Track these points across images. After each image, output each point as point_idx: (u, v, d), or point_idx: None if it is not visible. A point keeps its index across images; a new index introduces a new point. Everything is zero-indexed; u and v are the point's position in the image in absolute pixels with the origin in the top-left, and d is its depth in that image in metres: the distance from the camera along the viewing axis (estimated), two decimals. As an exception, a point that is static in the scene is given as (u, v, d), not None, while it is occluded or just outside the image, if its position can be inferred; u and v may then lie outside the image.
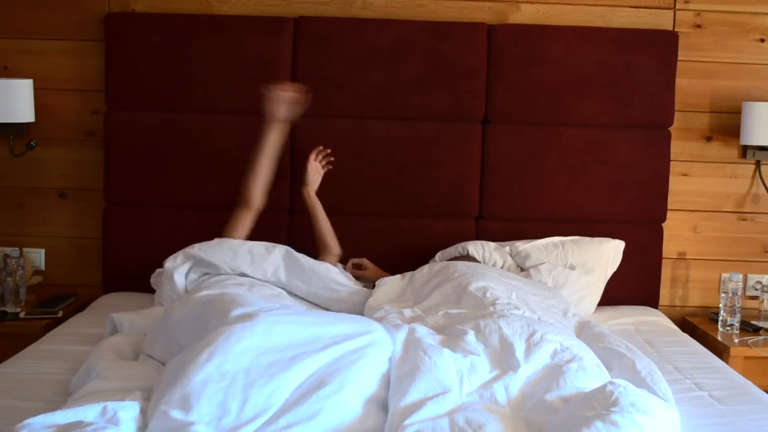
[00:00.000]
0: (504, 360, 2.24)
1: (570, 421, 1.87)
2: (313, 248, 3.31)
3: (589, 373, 2.17)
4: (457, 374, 2.15)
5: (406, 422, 1.92)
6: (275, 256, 3.01)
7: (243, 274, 2.97)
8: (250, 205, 3.20)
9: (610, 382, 1.99)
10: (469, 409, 1.99)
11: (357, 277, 3.25)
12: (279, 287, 2.97)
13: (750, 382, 2.63)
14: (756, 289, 3.62)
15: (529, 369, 2.20)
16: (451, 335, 2.40)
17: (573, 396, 2.04)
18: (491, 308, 2.64)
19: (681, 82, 3.54)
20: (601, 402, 1.91)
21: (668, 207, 3.55)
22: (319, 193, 3.39)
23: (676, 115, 3.54)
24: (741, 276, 3.46)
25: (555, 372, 2.17)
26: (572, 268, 3.31)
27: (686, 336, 3.21)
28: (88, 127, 3.57)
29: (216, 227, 3.47)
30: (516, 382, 2.15)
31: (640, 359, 2.39)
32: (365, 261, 3.36)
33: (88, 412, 1.95)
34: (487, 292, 2.78)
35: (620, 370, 2.35)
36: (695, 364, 2.78)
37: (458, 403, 2.04)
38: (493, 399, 2.10)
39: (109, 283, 3.51)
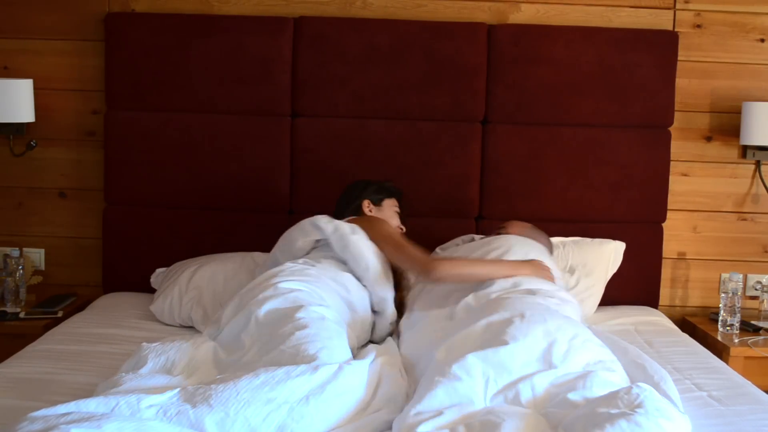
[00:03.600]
0: (541, 356, 2.23)
1: (592, 417, 1.89)
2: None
3: (616, 385, 2.16)
4: (483, 376, 2.14)
5: (419, 429, 1.93)
6: None
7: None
8: None
9: (636, 385, 2.02)
10: (486, 413, 1.99)
11: None
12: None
13: (750, 382, 2.63)
14: (756, 289, 3.62)
15: (561, 371, 2.20)
16: (492, 317, 2.39)
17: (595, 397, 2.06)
18: (540, 300, 2.63)
19: (681, 82, 3.54)
20: (627, 402, 1.93)
21: (668, 207, 3.55)
22: (322, 193, 3.41)
23: (676, 115, 3.54)
24: (741, 276, 3.46)
25: (582, 375, 2.18)
26: (572, 269, 3.31)
27: (686, 336, 3.21)
28: (88, 127, 3.57)
29: (216, 227, 3.48)
30: (544, 382, 2.16)
31: (651, 364, 2.41)
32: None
33: (89, 405, 1.95)
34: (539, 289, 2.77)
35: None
36: (695, 364, 2.79)
37: (480, 407, 2.06)
38: (516, 399, 2.12)
39: (109, 283, 3.51)
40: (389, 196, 3.17)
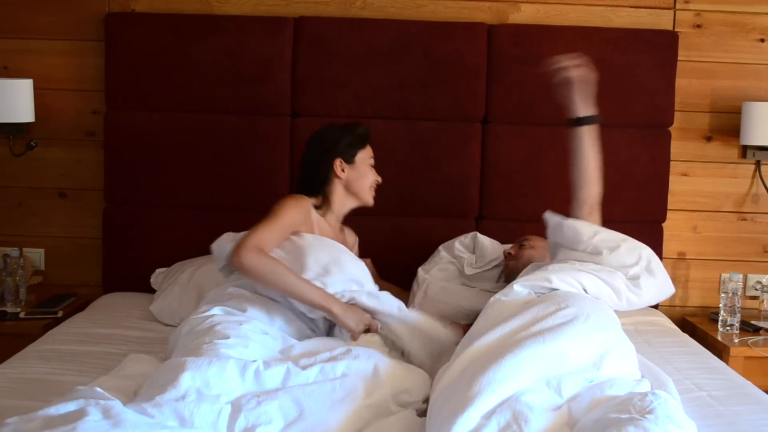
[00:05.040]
0: (592, 360, 2.25)
1: (603, 421, 1.91)
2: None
3: (638, 390, 2.18)
4: (534, 362, 2.17)
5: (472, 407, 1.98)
6: None
7: None
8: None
9: (652, 393, 2.04)
10: (520, 401, 2.02)
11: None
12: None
13: (749, 382, 2.63)
14: (756, 289, 3.62)
15: (601, 376, 2.22)
16: (558, 308, 2.40)
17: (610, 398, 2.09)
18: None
19: (681, 82, 3.54)
20: (638, 408, 1.94)
21: (668, 207, 3.55)
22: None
23: (676, 115, 3.54)
24: (741, 276, 3.46)
25: (611, 379, 2.20)
26: None
27: (686, 336, 3.21)
28: (88, 127, 3.57)
29: (216, 227, 3.47)
30: (584, 381, 2.19)
31: (652, 369, 2.42)
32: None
33: (69, 406, 1.96)
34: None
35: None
36: (695, 365, 2.79)
37: (520, 388, 2.09)
38: (558, 389, 2.15)
39: (109, 283, 3.51)
40: (362, 146, 2.85)
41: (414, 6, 3.55)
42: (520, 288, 2.58)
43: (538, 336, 2.24)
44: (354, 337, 2.59)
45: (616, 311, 2.59)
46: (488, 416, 1.98)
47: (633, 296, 2.68)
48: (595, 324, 2.33)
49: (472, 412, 1.97)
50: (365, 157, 2.87)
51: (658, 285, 2.74)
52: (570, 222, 2.78)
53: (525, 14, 3.55)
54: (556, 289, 2.57)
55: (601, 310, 2.47)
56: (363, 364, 2.29)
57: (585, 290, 2.62)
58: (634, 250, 2.75)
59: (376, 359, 2.33)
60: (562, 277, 2.60)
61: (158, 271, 3.35)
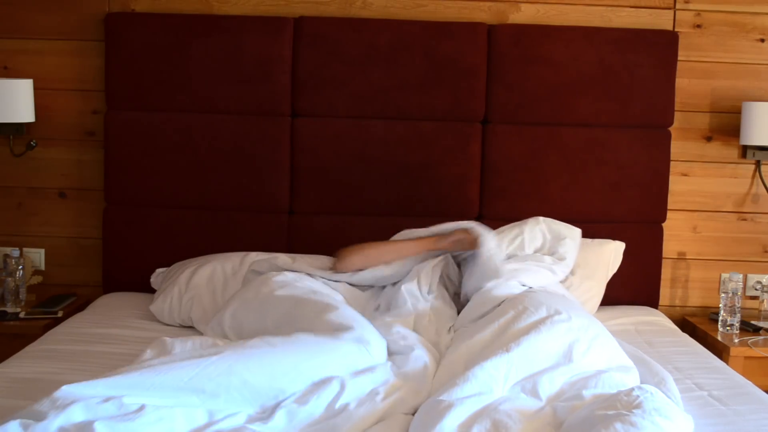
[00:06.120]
0: (562, 352, 2.26)
1: (590, 419, 1.90)
2: (312, 249, 3.32)
3: (626, 386, 2.18)
4: (505, 367, 2.18)
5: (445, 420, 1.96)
6: None
7: None
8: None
9: (639, 387, 2.03)
10: (499, 411, 2.01)
11: None
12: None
13: (750, 382, 2.63)
14: (756, 289, 3.62)
15: (578, 368, 2.23)
16: (517, 309, 2.43)
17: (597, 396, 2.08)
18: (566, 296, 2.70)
19: (681, 82, 3.54)
20: (625, 404, 1.94)
21: (668, 207, 3.56)
22: (322, 193, 3.41)
23: (676, 115, 3.54)
24: (741, 276, 3.45)
25: (595, 375, 2.20)
26: (573, 271, 3.30)
27: (686, 336, 3.21)
28: (88, 127, 3.57)
29: (216, 227, 3.48)
30: (561, 378, 2.19)
31: (652, 365, 2.42)
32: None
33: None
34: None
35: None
36: (695, 364, 2.79)
37: (497, 397, 2.09)
38: (534, 390, 2.15)
39: (109, 283, 3.51)
40: None
41: (414, 6, 3.55)
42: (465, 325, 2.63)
43: (502, 346, 2.25)
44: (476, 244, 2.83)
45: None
46: (468, 425, 1.96)
47: (563, 266, 2.94)
48: (556, 317, 2.35)
49: (447, 422, 1.96)
50: None
51: (572, 240, 3.01)
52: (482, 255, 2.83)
53: (525, 14, 3.55)
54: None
55: (556, 300, 2.48)
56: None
57: (527, 286, 2.70)
58: (533, 230, 3.00)
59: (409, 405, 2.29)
60: (500, 284, 2.66)
61: (158, 271, 3.35)
